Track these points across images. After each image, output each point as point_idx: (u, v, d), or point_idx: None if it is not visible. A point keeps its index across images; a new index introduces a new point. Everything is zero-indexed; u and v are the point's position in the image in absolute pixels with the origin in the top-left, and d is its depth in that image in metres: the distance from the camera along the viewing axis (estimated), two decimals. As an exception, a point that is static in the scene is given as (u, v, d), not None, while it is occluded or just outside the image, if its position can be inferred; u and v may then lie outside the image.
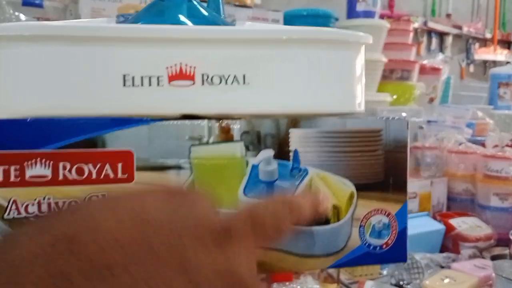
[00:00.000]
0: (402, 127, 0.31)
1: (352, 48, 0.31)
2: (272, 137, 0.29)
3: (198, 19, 0.32)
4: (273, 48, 0.28)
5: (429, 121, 1.51)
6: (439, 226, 1.06)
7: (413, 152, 1.36)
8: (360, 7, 1.58)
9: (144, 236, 0.17)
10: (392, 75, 1.72)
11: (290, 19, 1.49)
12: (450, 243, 1.05)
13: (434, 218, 1.11)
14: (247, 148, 0.28)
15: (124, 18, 0.34)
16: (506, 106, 2.02)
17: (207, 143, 0.28)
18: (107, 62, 0.27)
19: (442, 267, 0.93)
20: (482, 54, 3.23)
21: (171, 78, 0.27)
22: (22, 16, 1.15)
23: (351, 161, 0.30)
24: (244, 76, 0.28)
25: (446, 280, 0.84)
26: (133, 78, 0.27)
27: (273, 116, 0.29)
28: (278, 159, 0.29)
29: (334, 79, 0.30)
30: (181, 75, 0.28)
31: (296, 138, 0.29)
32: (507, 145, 1.16)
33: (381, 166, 0.30)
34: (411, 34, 1.84)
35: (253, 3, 1.42)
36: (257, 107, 0.29)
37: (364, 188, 0.30)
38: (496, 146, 1.17)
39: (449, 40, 3.05)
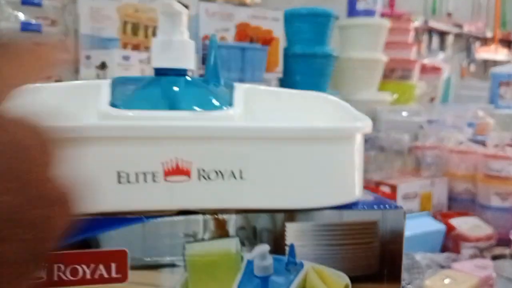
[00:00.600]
0: (399, 218, 0.30)
1: (349, 140, 0.30)
2: (268, 231, 0.28)
3: (196, 99, 0.32)
4: (269, 144, 0.28)
5: (429, 121, 1.51)
6: (439, 226, 1.06)
7: (413, 151, 1.36)
8: (360, 5, 1.58)
9: None
10: (393, 74, 1.72)
11: (290, 17, 1.49)
12: (450, 243, 1.05)
13: (435, 218, 1.10)
14: (242, 244, 0.28)
15: (120, 82, 0.33)
16: (507, 105, 2.02)
17: (202, 239, 0.28)
18: (101, 160, 0.27)
19: (443, 267, 0.93)
20: (482, 53, 3.23)
21: (167, 174, 0.27)
22: (21, 15, 1.15)
23: (347, 254, 0.29)
24: (240, 171, 0.28)
25: (447, 280, 0.84)
26: (128, 175, 0.27)
27: (269, 211, 0.29)
28: (273, 253, 0.28)
29: (332, 172, 0.30)
30: (177, 171, 0.27)
31: (292, 232, 0.29)
32: (507, 145, 1.16)
33: (376, 257, 0.30)
34: (412, 33, 1.84)
35: (253, 2, 1.42)
36: (254, 202, 0.28)
37: (358, 279, 0.30)
38: (496, 145, 1.16)
39: (449, 39, 3.04)
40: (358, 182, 0.31)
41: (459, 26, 3.06)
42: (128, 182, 0.27)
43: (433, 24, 2.89)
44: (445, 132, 1.32)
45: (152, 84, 0.33)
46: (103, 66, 0.98)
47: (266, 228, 0.28)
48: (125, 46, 1.20)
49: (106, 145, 0.27)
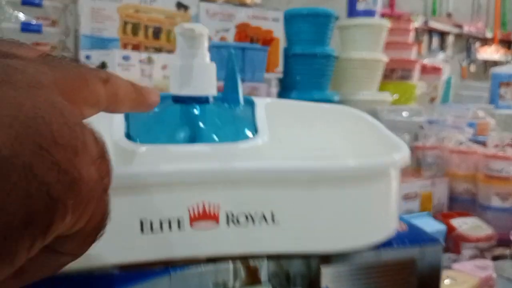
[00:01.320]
0: (437, 253, 0.30)
1: (384, 176, 0.28)
2: (302, 277, 0.27)
3: (219, 129, 0.30)
4: (302, 185, 0.26)
5: (429, 121, 1.51)
6: (440, 226, 1.06)
7: (414, 152, 1.36)
8: (360, 6, 1.58)
9: None
10: (393, 74, 1.72)
11: (290, 18, 1.49)
12: (451, 243, 1.05)
13: (435, 218, 1.10)
14: None
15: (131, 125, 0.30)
16: (507, 105, 2.02)
17: None
18: (121, 208, 0.24)
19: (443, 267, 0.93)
20: (482, 53, 3.23)
21: (193, 219, 0.25)
22: (22, 16, 1.15)
23: None
24: (272, 214, 0.26)
25: (447, 280, 0.84)
26: (151, 223, 0.25)
27: (304, 255, 0.27)
28: None
29: (369, 210, 0.28)
30: (204, 216, 0.25)
31: (328, 276, 0.27)
32: (508, 145, 1.16)
33: None
34: (412, 34, 1.84)
35: (253, 2, 1.42)
36: (287, 246, 0.26)
37: None
38: (497, 145, 1.16)
39: (449, 39, 3.04)
40: (395, 215, 0.30)
41: (459, 26, 3.06)
42: (152, 230, 0.25)
43: (433, 24, 2.89)
44: (445, 132, 1.32)
45: (171, 112, 0.31)
46: (103, 66, 0.98)
47: (300, 273, 0.27)
48: (125, 46, 1.20)
49: (127, 193, 0.24)
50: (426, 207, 1.16)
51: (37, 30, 1.15)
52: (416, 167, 1.32)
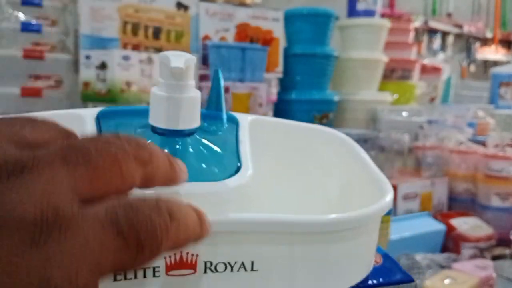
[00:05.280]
0: None
1: (365, 229, 0.28)
2: None
3: (200, 165, 0.28)
4: (280, 239, 0.26)
5: (429, 121, 1.51)
6: (440, 226, 1.06)
7: (414, 152, 1.36)
8: (360, 6, 1.58)
9: None
10: (393, 74, 1.72)
11: (290, 18, 1.49)
12: (451, 243, 1.05)
13: (435, 218, 1.10)
14: None
15: (107, 118, 0.30)
16: (507, 105, 2.02)
17: None
18: None
19: (443, 267, 0.93)
20: (482, 53, 3.23)
21: (169, 268, 0.24)
22: (22, 15, 1.15)
23: None
24: (252, 263, 0.25)
25: (447, 280, 0.84)
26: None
27: None
28: None
29: (350, 257, 0.28)
30: (180, 264, 0.24)
31: None
32: (508, 145, 1.16)
33: None
34: (412, 33, 1.84)
35: (253, 2, 1.42)
36: None
37: None
38: (497, 145, 1.16)
39: (449, 39, 3.04)
40: (372, 257, 0.30)
41: (459, 26, 3.06)
42: (125, 278, 0.24)
43: (433, 24, 2.89)
44: (445, 132, 1.32)
45: (149, 139, 0.28)
46: (103, 66, 0.98)
47: None
48: (125, 46, 1.20)
49: None
50: (426, 207, 1.16)
51: (37, 30, 1.15)
52: (416, 167, 1.32)
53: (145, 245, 0.16)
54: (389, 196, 0.28)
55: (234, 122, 0.32)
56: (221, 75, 0.32)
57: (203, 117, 0.30)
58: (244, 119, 0.33)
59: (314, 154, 0.36)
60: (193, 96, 0.28)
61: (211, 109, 0.33)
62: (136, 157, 0.17)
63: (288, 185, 0.36)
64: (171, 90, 0.27)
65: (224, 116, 0.32)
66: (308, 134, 0.36)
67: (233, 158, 0.29)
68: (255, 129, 0.33)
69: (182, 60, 0.26)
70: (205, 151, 0.29)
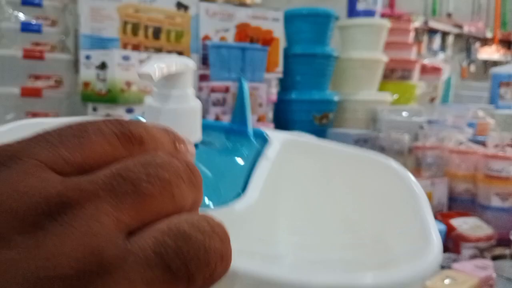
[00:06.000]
0: None
1: None
2: None
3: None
4: None
5: (429, 121, 1.51)
6: (439, 226, 1.06)
7: (414, 152, 1.36)
8: (360, 6, 1.58)
9: None
10: (393, 74, 1.72)
11: (290, 18, 1.49)
12: (451, 243, 1.05)
13: (435, 218, 1.10)
14: None
15: None
16: (507, 105, 2.02)
17: None
18: None
19: (443, 267, 0.93)
20: (482, 53, 3.23)
21: None
22: (22, 15, 1.15)
23: None
24: None
25: (447, 280, 0.84)
26: None
27: None
28: None
29: None
30: None
31: None
32: (508, 145, 1.16)
33: None
34: (412, 34, 1.84)
35: (253, 2, 1.42)
36: None
37: None
38: (497, 145, 1.16)
39: (449, 39, 3.04)
40: None
41: (459, 26, 3.06)
42: None
43: (433, 24, 2.89)
44: (445, 132, 1.32)
45: None
46: (103, 66, 0.98)
47: None
48: (125, 46, 1.20)
49: None
50: (426, 207, 1.16)
51: (37, 30, 1.15)
52: (416, 167, 1.32)
53: (196, 275, 0.15)
54: (435, 251, 0.23)
55: (262, 140, 0.28)
56: (245, 85, 0.29)
57: (226, 131, 0.28)
58: (277, 138, 0.29)
59: (356, 185, 0.30)
60: (189, 106, 0.25)
61: (235, 122, 0.29)
62: (189, 182, 0.16)
63: (317, 216, 0.31)
64: (164, 101, 0.24)
65: (250, 132, 0.28)
66: (354, 162, 0.30)
67: (237, 183, 0.26)
68: (289, 151, 0.29)
69: (161, 64, 0.22)
70: (203, 170, 0.25)
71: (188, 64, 0.23)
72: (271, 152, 0.27)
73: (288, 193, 0.28)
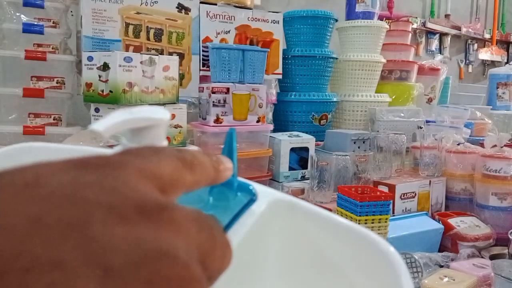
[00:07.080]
0: None
1: None
2: None
3: None
4: None
5: (427, 121, 1.52)
6: (437, 226, 1.07)
7: (412, 152, 1.37)
8: (359, 8, 1.59)
9: (34, 211, 0.14)
10: (391, 75, 1.73)
11: (290, 20, 1.50)
12: (449, 243, 1.06)
13: (433, 217, 1.11)
14: None
15: None
16: (505, 106, 2.03)
17: None
18: None
19: (441, 266, 0.94)
20: (481, 54, 3.24)
21: None
22: (23, 17, 1.16)
23: None
24: None
25: (445, 279, 0.85)
26: None
27: None
28: None
29: None
30: None
31: None
32: (505, 145, 1.17)
33: None
34: (410, 35, 1.85)
35: (253, 4, 1.43)
36: None
37: None
38: (494, 146, 1.17)
39: (448, 40, 3.05)
40: None
41: (457, 27, 3.07)
42: None
43: (432, 25, 2.90)
44: (443, 132, 1.33)
45: None
46: (105, 67, 0.99)
47: None
48: (127, 47, 1.21)
49: None
50: (423, 207, 1.17)
51: (38, 31, 1.15)
52: (414, 167, 1.33)
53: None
54: None
55: (247, 194, 0.26)
56: (234, 136, 0.27)
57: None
58: (267, 195, 0.28)
59: (340, 260, 0.28)
60: None
61: None
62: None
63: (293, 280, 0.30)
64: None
65: (235, 184, 0.27)
66: (346, 236, 0.28)
67: None
68: (274, 212, 0.27)
69: (114, 121, 0.21)
70: None
71: (160, 118, 0.23)
72: (255, 208, 0.26)
73: (265, 252, 0.27)
